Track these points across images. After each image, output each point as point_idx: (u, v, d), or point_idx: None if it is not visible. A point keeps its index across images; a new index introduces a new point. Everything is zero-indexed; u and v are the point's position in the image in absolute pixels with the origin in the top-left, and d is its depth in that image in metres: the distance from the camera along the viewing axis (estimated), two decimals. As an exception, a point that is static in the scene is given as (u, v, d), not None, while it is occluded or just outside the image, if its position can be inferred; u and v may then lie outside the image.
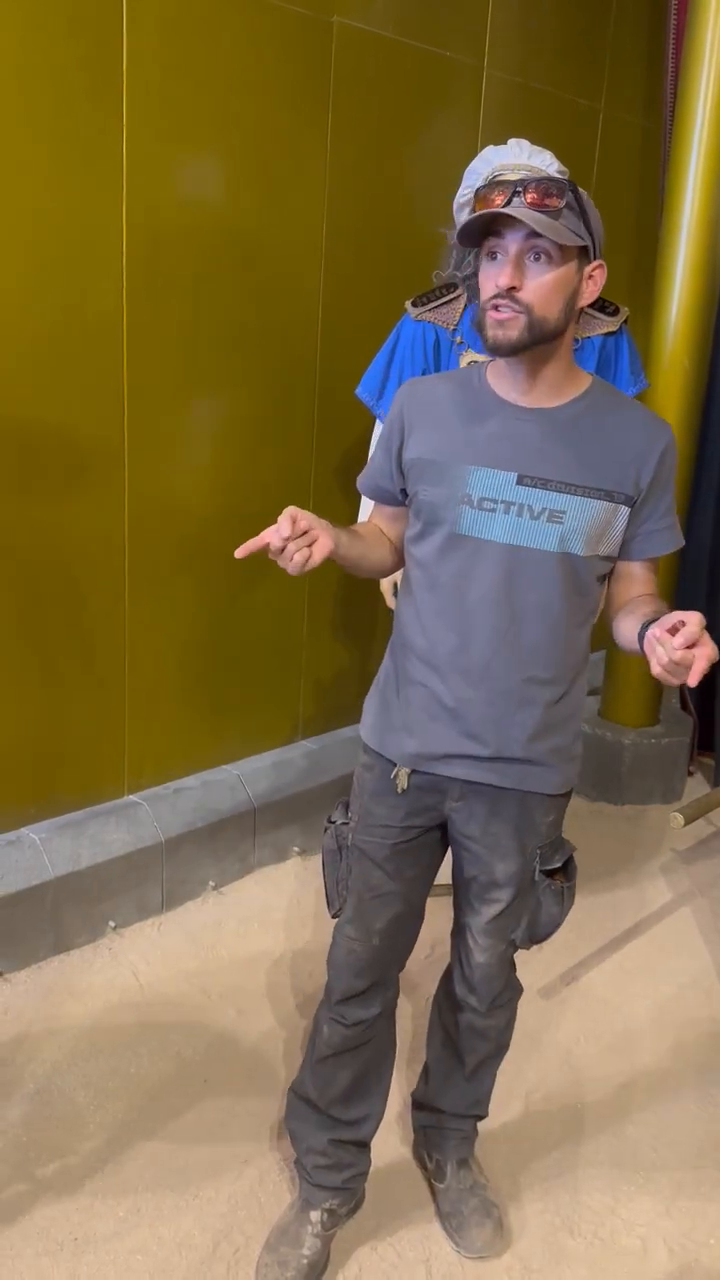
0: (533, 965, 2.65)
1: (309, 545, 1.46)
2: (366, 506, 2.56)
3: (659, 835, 3.42)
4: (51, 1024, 2.37)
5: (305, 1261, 1.80)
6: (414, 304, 2.64)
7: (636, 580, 1.66)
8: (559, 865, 1.75)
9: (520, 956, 1.86)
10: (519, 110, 3.37)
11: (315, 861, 3.05)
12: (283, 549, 1.44)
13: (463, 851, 1.75)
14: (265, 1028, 2.40)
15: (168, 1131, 2.10)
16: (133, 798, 2.85)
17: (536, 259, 1.46)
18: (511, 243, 1.47)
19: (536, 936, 1.78)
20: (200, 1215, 1.92)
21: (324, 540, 1.47)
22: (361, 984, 1.79)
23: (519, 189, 1.45)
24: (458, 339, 2.62)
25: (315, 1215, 1.85)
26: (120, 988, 2.51)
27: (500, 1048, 1.93)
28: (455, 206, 2.58)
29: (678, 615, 1.34)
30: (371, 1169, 1.92)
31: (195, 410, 2.76)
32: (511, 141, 2.47)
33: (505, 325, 1.48)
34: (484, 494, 1.56)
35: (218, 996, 2.51)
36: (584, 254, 1.50)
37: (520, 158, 2.43)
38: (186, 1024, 2.41)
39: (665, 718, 3.80)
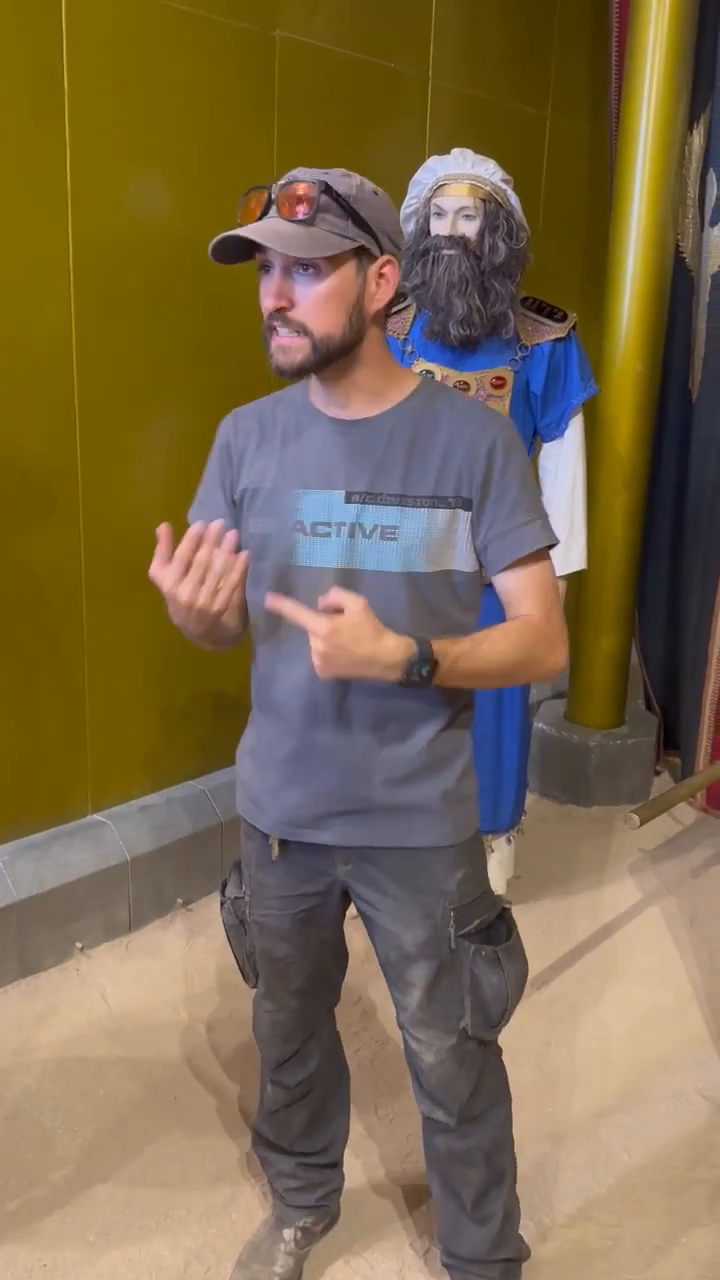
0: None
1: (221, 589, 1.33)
2: None
3: (626, 836, 3.43)
4: (19, 1048, 2.35)
5: (277, 1278, 1.79)
6: (364, 314, 2.64)
7: (513, 598, 1.47)
8: (483, 927, 1.56)
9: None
10: (466, 120, 3.39)
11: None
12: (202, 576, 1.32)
13: (369, 923, 1.60)
14: (237, 1044, 2.39)
15: (138, 1153, 2.09)
16: (97, 816, 2.83)
17: (305, 270, 1.35)
18: (274, 256, 1.34)
19: (490, 1020, 1.56)
20: (171, 1235, 1.91)
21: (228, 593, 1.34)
22: (293, 1047, 1.73)
23: (272, 199, 1.33)
24: (408, 348, 2.63)
25: (289, 1233, 1.84)
26: (88, 1009, 2.50)
27: (497, 1175, 1.68)
28: (401, 217, 2.60)
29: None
30: (345, 1185, 1.91)
31: (149, 426, 2.76)
32: (455, 151, 2.49)
33: (287, 351, 1.37)
34: (316, 518, 1.44)
35: (187, 1014, 2.50)
36: (365, 253, 1.37)
37: (464, 167, 2.46)
38: (156, 1043, 2.39)
39: (630, 718, 3.82)
